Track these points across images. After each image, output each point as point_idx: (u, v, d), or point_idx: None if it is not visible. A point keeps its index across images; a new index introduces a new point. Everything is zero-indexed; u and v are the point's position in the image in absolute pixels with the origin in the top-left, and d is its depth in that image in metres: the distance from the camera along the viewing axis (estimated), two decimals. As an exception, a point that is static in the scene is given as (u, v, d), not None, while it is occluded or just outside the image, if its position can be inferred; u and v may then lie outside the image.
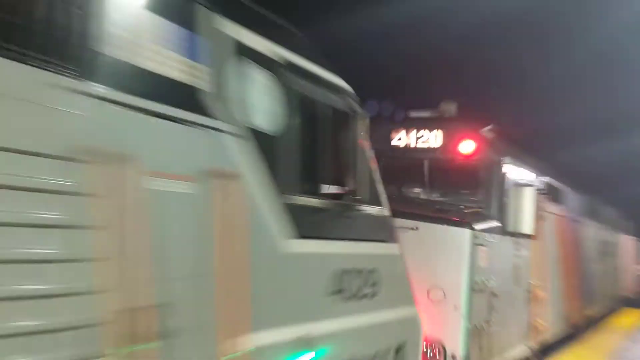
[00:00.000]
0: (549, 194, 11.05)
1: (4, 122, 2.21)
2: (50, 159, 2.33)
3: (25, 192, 2.24)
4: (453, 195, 8.15)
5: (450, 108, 8.31)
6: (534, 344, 9.96)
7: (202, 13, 3.28)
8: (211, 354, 3.07)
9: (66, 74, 2.44)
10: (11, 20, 2.30)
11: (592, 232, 15.67)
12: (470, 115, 8.59)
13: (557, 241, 11.73)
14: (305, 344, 3.90)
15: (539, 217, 9.61)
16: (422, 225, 6.43)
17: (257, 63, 3.69)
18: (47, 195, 2.31)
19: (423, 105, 8.77)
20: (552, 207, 11.24)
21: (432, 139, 7.89)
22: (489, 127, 8.66)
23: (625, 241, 22.12)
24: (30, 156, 2.25)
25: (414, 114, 8.49)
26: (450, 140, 8.18)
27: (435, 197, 7.86)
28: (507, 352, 8.63)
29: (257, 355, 3.35)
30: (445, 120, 8.27)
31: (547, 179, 11.11)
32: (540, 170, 10.73)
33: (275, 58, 3.88)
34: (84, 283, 2.41)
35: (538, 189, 9.56)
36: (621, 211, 20.97)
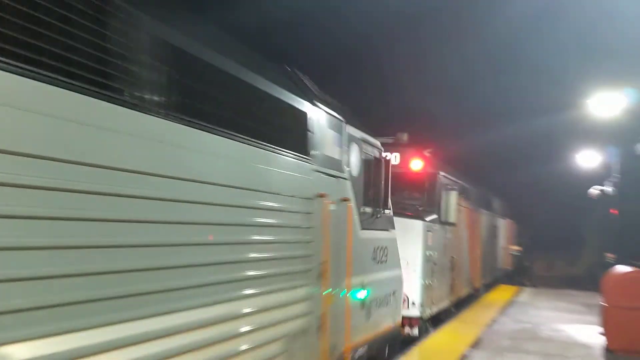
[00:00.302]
0: (462, 193, 15.11)
1: (301, 183, 5.59)
2: (306, 199, 5.68)
3: (298, 215, 5.49)
4: (409, 198, 11.58)
5: (403, 137, 11.50)
6: (453, 298, 14.58)
7: (342, 124, 6.80)
8: (343, 285, 6.54)
9: (310, 162, 5.84)
10: (295, 137, 5.65)
11: (485, 219, 20.18)
12: (417, 142, 12.07)
13: (466, 227, 16.25)
14: (363, 285, 7.22)
15: (458, 211, 14.00)
16: (396, 219, 9.40)
17: (353, 141, 7.14)
18: (305, 215, 5.63)
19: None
20: (464, 203, 15.57)
21: (392, 159, 10.48)
22: (429, 150, 12.48)
23: (506, 224, 26.75)
24: (300, 199, 5.53)
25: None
26: (404, 160, 11.75)
27: (398, 200, 10.94)
28: (441, 302, 13.14)
29: (351, 287, 6.75)
30: (400, 145, 11.54)
31: (461, 182, 15.20)
32: (457, 177, 14.84)
33: (358, 136, 7.32)
34: (314, 261, 5.82)
35: (457, 191, 13.73)
36: (499, 196, 25.88)
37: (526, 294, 20.93)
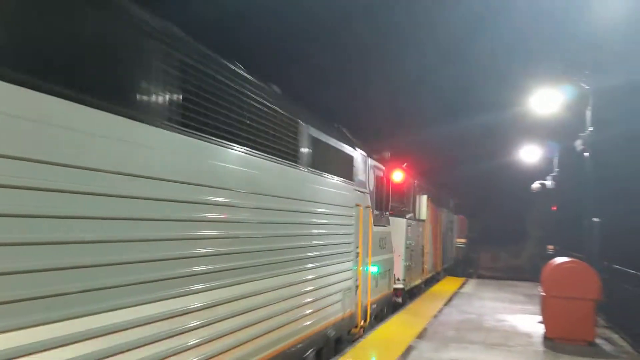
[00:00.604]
0: (430, 194, 18.78)
1: (349, 197, 9.46)
2: (350, 207, 9.49)
3: (347, 217, 9.36)
4: (394, 201, 14.25)
5: (387, 155, 13.62)
6: (422, 278, 18.77)
7: (367, 158, 10.74)
8: (367, 262, 10.64)
9: (353, 185, 9.68)
10: (346, 170, 9.57)
11: (444, 216, 24.08)
12: (396, 158, 14.96)
13: (431, 223, 20.46)
14: (375, 263, 11.01)
15: (428, 210, 18.02)
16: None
17: (371, 168, 10.94)
18: (350, 217, 9.52)
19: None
20: (431, 203, 19.46)
21: (396, 177, 14.82)
22: (405, 164, 16.03)
23: (458, 220, 29.25)
24: (348, 207, 9.35)
25: None
26: (389, 173, 14.18)
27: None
28: (416, 279, 17.25)
29: (370, 264, 10.76)
30: (384, 161, 13.51)
31: (427, 186, 19.23)
32: (425, 182, 19.09)
33: (373, 164, 11.17)
34: (353, 246, 9.75)
35: (427, 195, 17.49)
36: (453, 195, 27.30)
37: (471, 285, 21.50)
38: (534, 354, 10.14)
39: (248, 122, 5.80)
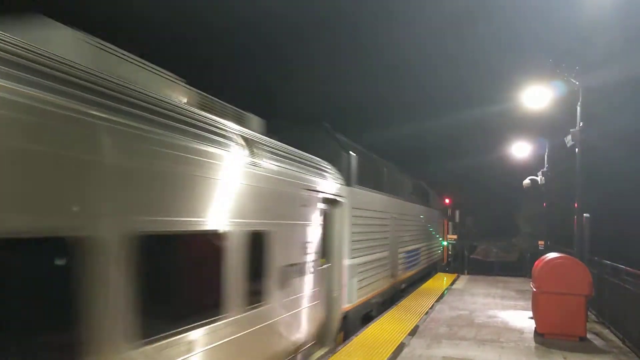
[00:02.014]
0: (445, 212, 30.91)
1: (436, 217, 27.64)
2: (437, 222, 26.68)
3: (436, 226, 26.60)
4: (446, 214, 28.62)
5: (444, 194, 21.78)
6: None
7: (432, 191, 26.27)
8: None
9: (437, 209, 27.10)
10: (430, 201, 26.07)
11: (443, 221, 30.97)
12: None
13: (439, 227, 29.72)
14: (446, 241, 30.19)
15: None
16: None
17: (435, 195, 27.07)
18: (435, 226, 26.09)
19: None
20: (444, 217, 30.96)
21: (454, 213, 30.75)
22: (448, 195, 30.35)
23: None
24: (436, 222, 27.11)
25: None
26: (444, 200, 30.68)
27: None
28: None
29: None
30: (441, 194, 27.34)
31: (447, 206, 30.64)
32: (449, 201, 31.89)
33: (434, 191, 27.24)
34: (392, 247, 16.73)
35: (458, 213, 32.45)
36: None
37: (463, 282, 21.55)
38: (525, 349, 10.16)
39: (414, 193, 19.86)
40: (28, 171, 3.48)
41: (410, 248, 18.74)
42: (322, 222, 9.28)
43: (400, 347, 9.91)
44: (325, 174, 9.80)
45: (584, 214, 14.14)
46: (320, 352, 9.30)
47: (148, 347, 4.48)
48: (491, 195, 49.80)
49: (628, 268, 11.32)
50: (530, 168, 25.81)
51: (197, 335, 5.23)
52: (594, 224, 14.42)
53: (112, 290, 4.12)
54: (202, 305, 5.58)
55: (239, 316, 6.09)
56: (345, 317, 10.90)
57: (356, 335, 10.82)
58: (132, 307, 4.29)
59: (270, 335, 7.06)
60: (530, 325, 12.22)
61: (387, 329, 11.57)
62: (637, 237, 28.19)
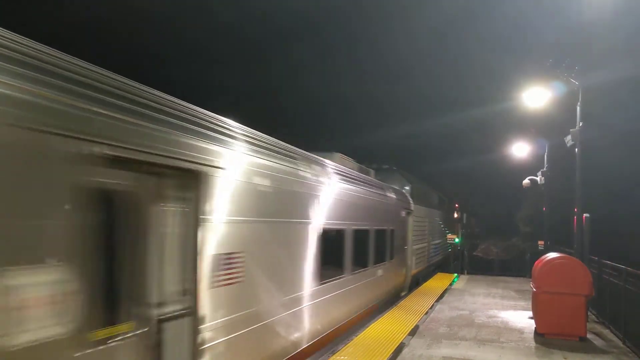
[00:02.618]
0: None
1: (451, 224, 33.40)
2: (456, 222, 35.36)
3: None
4: (456, 219, 36.61)
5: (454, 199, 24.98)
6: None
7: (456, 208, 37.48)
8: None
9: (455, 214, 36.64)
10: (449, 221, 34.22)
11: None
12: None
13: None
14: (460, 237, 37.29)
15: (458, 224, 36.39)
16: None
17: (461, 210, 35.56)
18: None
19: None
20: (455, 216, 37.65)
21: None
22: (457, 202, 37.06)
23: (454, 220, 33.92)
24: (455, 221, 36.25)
25: None
26: (454, 206, 36.65)
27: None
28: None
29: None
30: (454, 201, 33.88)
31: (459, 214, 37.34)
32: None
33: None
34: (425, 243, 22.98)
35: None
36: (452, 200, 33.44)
37: (463, 281, 21.54)
38: (525, 349, 10.15)
39: (438, 202, 27.31)
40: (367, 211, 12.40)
41: (436, 242, 25.74)
42: (404, 224, 17.29)
43: (400, 347, 9.90)
44: (404, 197, 17.82)
45: (584, 214, 14.13)
46: (403, 292, 17.40)
47: (325, 284, 9.16)
48: (492, 196, 49.89)
49: (629, 268, 11.31)
50: (531, 168, 25.81)
51: (350, 278, 10.82)
52: (594, 224, 14.41)
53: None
54: (359, 262, 11.61)
55: (373, 268, 12.90)
56: (411, 277, 18.58)
57: (356, 335, 10.80)
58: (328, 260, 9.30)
59: (385, 279, 14.32)
60: (531, 325, 12.21)
61: (387, 329, 11.56)
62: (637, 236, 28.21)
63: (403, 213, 16.75)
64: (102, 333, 4.10)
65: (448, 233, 30.76)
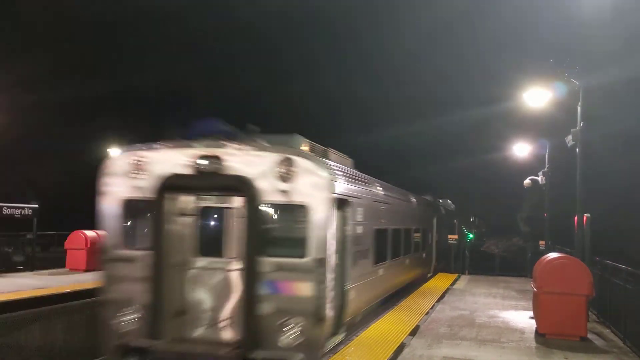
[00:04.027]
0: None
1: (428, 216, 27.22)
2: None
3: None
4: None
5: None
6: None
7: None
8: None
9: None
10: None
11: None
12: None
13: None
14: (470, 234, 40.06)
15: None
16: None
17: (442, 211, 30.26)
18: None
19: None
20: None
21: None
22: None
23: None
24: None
25: None
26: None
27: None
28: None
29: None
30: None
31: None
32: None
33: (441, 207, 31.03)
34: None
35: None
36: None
37: (464, 282, 21.54)
38: (526, 349, 10.16)
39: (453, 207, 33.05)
40: (413, 221, 18.40)
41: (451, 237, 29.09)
42: (432, 225, 22.66)
43: (401, 347, 9.90)
44: (433, 204, 24.14)
45: (585, 214, 14.12)
46: (430, 274, 22.59)
47: (395, 260, 14.86)
48: (493, 196, 49.90)
49: (629, 268, 11.31)
50: (532, 168, 25.80)
51: (405, 258, 16.50)
52: (594, 224, 14.40)
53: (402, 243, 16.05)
54: (412, 248, 17.73)
55: (419, 252, 19.67)
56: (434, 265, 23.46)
57: (357, 336, 10.80)
58: (395, 247, 14.84)
59: (418, 263, 19.50)
60: (531, 325, 12.20)
61: (387, 329, 11.56)
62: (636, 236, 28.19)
63: (431, 217, 22.80)
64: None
65: (463, 230, 36.34)
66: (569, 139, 14.55)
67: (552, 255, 12.07)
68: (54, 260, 21.63)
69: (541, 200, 26.39)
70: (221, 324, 8.79)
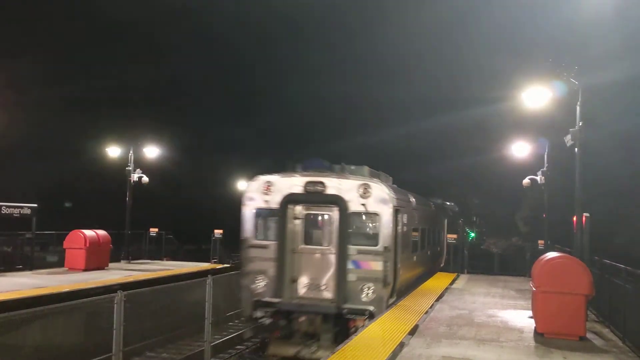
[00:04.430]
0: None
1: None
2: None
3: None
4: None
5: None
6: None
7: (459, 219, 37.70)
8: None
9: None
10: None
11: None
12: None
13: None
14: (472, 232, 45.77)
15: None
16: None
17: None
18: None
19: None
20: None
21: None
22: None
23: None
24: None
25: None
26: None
27: None
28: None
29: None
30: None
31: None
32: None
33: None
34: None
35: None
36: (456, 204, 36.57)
37: (463, 281, 21.53)
38: (525, 349, 10.16)
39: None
40: (432, 222, 22.47)
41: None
42: (444, 225, 26.59)
43: (400, 347, 9.90)
44: (444, 207, 28.15)
45: (584, 213, 14.13)
46: (442, 264, 26.02)
47: (422, 251, 19.46)
48: (492, 196, 50.00)
49: (628, 267, 11.31)
50: (532, 167, 25.79)
51: (427, 250, 21.02)
52: (593, 223, 14.40)
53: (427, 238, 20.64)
54: (428, 243, 21.09)
55: (434, 248, 23.33)
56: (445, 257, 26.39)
57: (356, 335, 10.81)
58: (422, 242, 19.47)
59: (435, 255, 23.80)
60: (530, 324, 12.21)
61: (386, 328, 11.56)
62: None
63: (442, 218, 26.47)
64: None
65: (467, 229, 39.88)
66: (568, 139, 14.55)
67: (551, 254, 12.07)
68: (53, 259, 21.65)
69: (541, 199, 26.38)
70: (320, 288, 14.08)
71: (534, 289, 11.64)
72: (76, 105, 45.08)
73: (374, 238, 13.99)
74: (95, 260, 20.53)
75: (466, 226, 40.77)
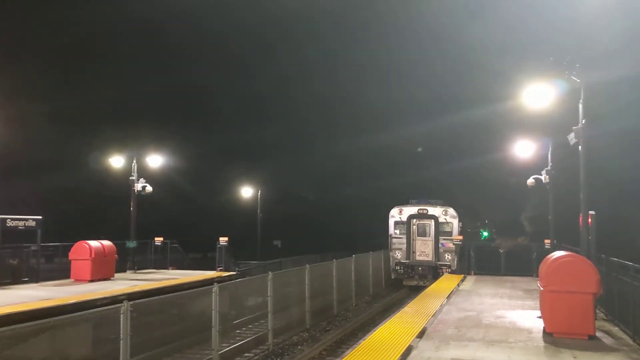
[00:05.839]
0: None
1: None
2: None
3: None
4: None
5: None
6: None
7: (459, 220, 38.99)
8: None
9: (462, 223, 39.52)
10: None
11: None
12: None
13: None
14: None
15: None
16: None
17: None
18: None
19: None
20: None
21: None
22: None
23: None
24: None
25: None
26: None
27: None
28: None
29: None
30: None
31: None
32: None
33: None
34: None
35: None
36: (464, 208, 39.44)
37: (470, 282, 21.45)
38: (534, 349, 10.09)
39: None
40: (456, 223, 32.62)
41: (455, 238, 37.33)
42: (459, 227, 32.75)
43: (409, 350, 9.85)
44: (454, 215, 31.47)
45: (590, 212, 14.04)
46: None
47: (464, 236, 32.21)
48: (497, 197, 49.99)
49: (636, 265, 11.23)
50: (537, 166, 25.69)
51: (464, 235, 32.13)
52: (600, 221, 14.30)
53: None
54: (464, 232, 32.36)
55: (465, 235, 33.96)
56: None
57: (364, 339, 10.76)
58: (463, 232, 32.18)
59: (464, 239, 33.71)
60: (539, 324, 12.13)
61: (394, 331, 11.51)
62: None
63: (458, 222, 31.86)
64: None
65: (477, 231, 46.45)
66: (572, 137, 14.48)
67: (558, 253, 12.00)
68: (59, 271, 21.65)
69: (546, 198, 26.25)
70: (427, 255, 30.13)
71: (541, 288, 11.57)
72: (78, 116, 45.24)
73: (450, 234, 29.60)
74: (101, 270, 20.50)
75: (480, 227, 46.51)
